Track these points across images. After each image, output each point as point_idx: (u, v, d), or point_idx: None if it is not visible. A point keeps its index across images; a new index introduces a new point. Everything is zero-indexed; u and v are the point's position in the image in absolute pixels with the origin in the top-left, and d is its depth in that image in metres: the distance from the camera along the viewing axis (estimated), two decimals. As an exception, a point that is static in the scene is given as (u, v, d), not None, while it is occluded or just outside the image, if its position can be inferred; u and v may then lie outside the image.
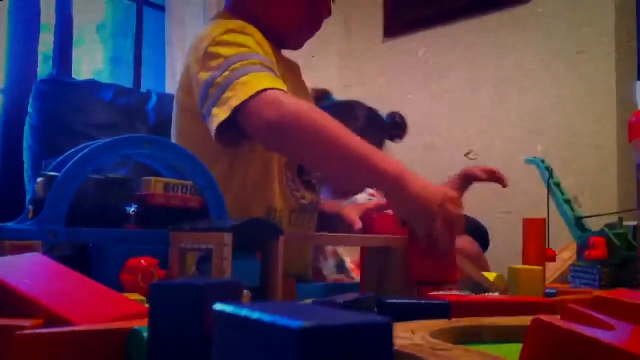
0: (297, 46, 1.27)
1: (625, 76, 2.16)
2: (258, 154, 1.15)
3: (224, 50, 1.05)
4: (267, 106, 0.95)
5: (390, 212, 0.95)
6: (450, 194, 0.88)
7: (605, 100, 2.13)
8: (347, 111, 1.61)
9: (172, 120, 1.22)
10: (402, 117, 1.74)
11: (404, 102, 2.52)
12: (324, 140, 0.92)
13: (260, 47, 1.10)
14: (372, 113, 1.69)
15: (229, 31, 1.09)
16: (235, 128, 0.99)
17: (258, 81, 0.98)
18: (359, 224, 1.20)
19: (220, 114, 0.98)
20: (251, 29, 1.12)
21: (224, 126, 0.99)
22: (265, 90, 0.97)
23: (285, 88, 1.00)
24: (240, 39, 1.08)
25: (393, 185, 0.87)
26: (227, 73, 1.01)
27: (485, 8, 2.43)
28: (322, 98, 1.69)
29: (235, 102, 0.97)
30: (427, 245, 0.85)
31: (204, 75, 1.05)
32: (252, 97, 0.96)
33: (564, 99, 2.22)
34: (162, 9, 2.46)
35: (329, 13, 1.24)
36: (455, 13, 2.51)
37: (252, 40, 1.09)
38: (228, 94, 0.99)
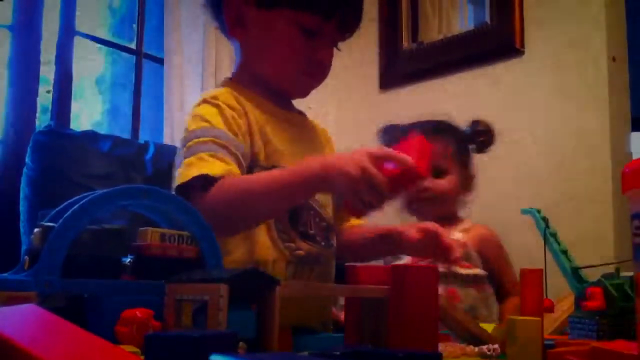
0: (302, 95, 1.32)
1: (619, 126, 2.19)
2: None
3: (190, 124, 1.15)
4: (194, 197, 1.03)
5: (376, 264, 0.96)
6: (370, 151, 0.92)
7: (599, 151, 2.14)
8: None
9: None
10: (486, 124, 1.68)
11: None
12: (251, 195, 1.02)
13: (225, 118, 1.14)
14: (440, 124, 1.65)
15: (202, 102, 1.18)
16: None
17: (196, 166, 1.07)
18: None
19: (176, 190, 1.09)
20: (225, 96, 1.18)
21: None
22: (198, 176, 1.05)
23: (221, 169, 1.06)
24: (207, 110, 1.15)
25: (324, 175, 0.93)
26: (184, 150, 1.11)
27: (479, 61, 2.47)
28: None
29: (177, 183, 1.08)
30: (354, 205, 0.91)
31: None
32: (184, 183, 1.06)
33: (558, 150, 2.24)
34: (160, 61, 2.49)
35: (329, 58, 1.25)
36: (449, 66, 2.55)
37: (217, 112, 1.14)
38: (179, 170, 1.09)
